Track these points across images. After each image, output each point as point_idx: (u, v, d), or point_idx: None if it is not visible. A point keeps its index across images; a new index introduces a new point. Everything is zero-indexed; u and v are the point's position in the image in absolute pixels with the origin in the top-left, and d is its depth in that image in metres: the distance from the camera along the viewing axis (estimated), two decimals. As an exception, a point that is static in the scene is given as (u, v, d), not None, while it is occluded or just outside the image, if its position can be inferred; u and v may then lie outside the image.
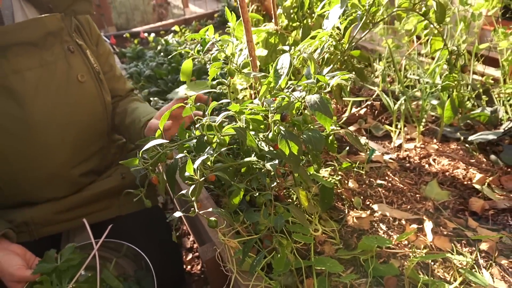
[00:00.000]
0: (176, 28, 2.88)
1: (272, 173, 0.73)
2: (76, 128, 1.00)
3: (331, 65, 0.85)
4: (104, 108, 1.06)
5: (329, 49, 0.81)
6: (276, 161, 0.71)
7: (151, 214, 1.27)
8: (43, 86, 0.92)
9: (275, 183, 0.72)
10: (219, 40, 0.87)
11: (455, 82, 0.85)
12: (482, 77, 1.57)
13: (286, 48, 0.70)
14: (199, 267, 1.60)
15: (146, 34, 2.85)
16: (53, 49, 0.94)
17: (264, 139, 0.75)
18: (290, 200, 1.06)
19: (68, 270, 0.89)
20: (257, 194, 0.71)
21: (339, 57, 0.84)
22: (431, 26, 0.81)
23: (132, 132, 1.12)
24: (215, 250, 0.90)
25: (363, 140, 1.39)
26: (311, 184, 0.93)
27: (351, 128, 1.51)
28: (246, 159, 0.69)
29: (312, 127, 0.68)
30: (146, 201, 0.82)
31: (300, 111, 0.72)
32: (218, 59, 0.84)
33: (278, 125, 0.66)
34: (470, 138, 1.29)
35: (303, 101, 0.64)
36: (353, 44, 0.81)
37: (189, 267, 1.61)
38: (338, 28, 0.80)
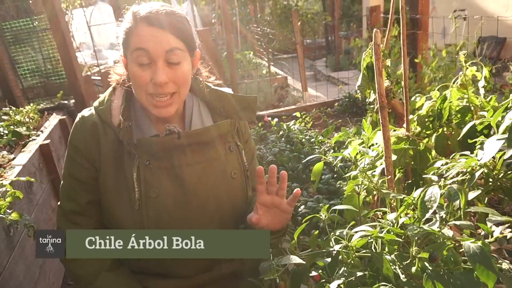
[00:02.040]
0: (297, 114, 3.08)
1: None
2: (220, 216, 1.11)
3: (479, 191, 0.79)
4: (245, 201, 1.16)
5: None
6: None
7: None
8: (204, 178, 1.07)
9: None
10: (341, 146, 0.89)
11: None
12: None
13: (435, 178, 0.68)
14: None
15: (269, 118, 3.10)
16: (217, 147, 1.09)
17: (401, 266, 0.70)
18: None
19: None
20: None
21: (490, 183, 0.77)
22: None
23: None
24: None
25: (505, 265, 1.19)
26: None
27: (490, 247, 1.31)
28: (382, 289, 0.66)
29: (462, 268, 0.62)
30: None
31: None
32: (357, 177, 0.86)
33: (423, 260, 0.62)
34: None
35: (457, 245, 0.60)
36: (509, 173, 0.75)
37: None
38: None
